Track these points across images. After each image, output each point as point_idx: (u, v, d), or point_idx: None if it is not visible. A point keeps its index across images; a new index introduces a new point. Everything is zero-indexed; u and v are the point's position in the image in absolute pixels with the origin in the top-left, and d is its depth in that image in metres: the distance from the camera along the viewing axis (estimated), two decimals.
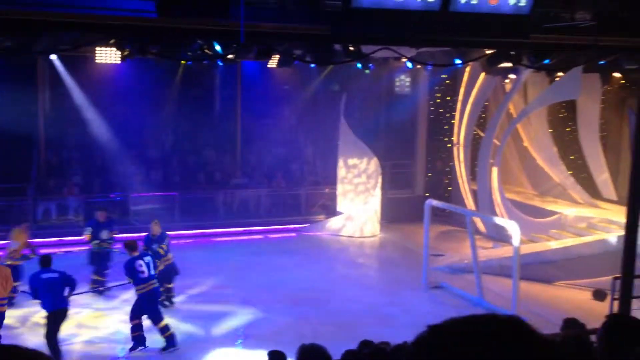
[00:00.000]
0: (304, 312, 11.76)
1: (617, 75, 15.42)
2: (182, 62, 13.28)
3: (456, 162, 18.12)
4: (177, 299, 11.83)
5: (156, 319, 9.72)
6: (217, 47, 9.71)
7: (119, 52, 10.10)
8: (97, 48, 9.97)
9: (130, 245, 9.90)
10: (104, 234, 12.11)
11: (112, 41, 9.90)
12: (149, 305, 9.68)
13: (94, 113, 16.77)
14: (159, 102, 17.88)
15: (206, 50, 10.03)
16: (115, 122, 16.97)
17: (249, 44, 9.48)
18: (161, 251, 11.25)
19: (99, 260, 12.10)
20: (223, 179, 18.40)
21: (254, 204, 18.20)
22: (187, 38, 9.32)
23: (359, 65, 13.34)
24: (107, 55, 10.17)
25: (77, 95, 16.51)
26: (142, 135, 18.00)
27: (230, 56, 10.12)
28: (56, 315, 8.96)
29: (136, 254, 9.82)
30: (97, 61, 10.27)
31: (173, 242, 14.56)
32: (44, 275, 8.97)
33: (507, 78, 16.39)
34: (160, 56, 10.49)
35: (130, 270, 9.67)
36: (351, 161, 17.57)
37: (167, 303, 11.34)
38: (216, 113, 19.15)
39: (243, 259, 14.97)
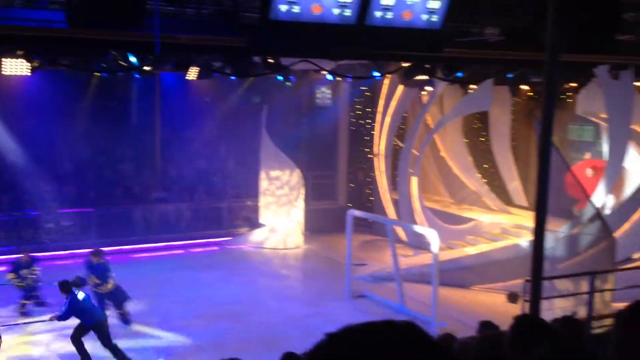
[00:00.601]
0: (227, 327, 11.59)
1: (525, 87, 16.24)
2: (96, 73, 12.87)
3: (377, 173, 18.45)
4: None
5: None
6: (132, 59, 9.48)
7: (27, 64, 9.66)
8: (4, 59, 9.50)
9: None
10: (24, 273, 11.94)
11: (20, 52, 9.47)
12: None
13: (2, 127, 15.93)
14: (73, 114, 17.20)
15: (121, 62, 9.78)
16: (26, 136, 16.17)
17: (165, 55, 9.32)
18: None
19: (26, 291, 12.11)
20: (142, 193, 17.92)
21: (175, 218, 17.82)
22: (100, 49, 9.05)
23: (280, 77, 13.39)
24: (15, 67, 9.71)
25: None
26: (55, 149, 17.28)
27: (146, 68, 9.90)
28: (102, 326, 9.78)
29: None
30: (3, 73, 9.78)
31: None
32: (80, 297, 9.74)
33: (424, 90, 16.90)
34: (72, 68, 10.11)
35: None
36: (273, 173, 17.55)
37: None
38: (134, 126, 18.63)
39: (164, 275, 14.62)
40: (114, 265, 11.51)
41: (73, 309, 9.66)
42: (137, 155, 18.51)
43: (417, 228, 14.41)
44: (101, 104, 17.62)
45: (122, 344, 10.53)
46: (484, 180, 18.07)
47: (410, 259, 15.44)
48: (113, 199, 17.44)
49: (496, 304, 12.96)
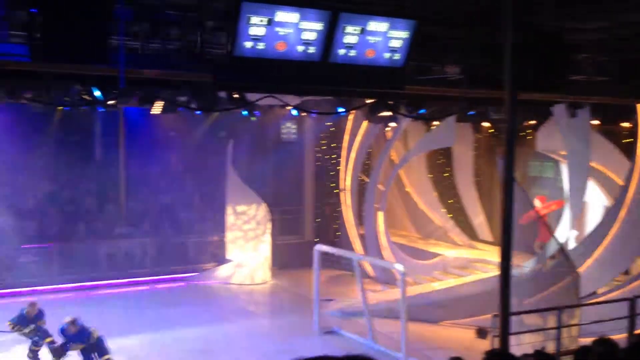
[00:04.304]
0: None
1: (486, 124, 16.61)
2: (59, 107, 12.77)
3: (343, 207, 18.51)
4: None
5: None
6: (97, 93, 9.44)
7: None
8: None
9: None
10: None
11: None
12: None
13: None
14: (35, 148, 16.95)
15: (85, 96, 9.73)
16: None
17: (130, 90, 9.30)
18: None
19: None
20: (106, 229, 17.62)
21: (140, 254, 17.53)
22: (63, 83, 9.00)
23: (245, 112, 13.45)
24: None
25: None
26: (15, 183, 16.94)
27: (111, 102, 9.88)
28: None
29: None
30: None
31: (51, 297, 13.66)
32: None
33: (388, 126, 17.13)
34: (35, 101, 10.02)
35: None
36: (240, 208, 17.47)
37: None
38: (97, 160, 18.41)
39: (128, 312, 14.34)
40: (75, 302, 11.30)
41: None
42: (100, 190, 18.25)
43: (385, 263, 14.43)
44: (64, 138, 17.42)
45: None
46: (449, 215, 18.26)
47: (378, 294, 15.41)
48: (76, 234, 17.12)
49: (465, 340, 12.96)
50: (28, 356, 11.29)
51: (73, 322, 10.58)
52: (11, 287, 14.89)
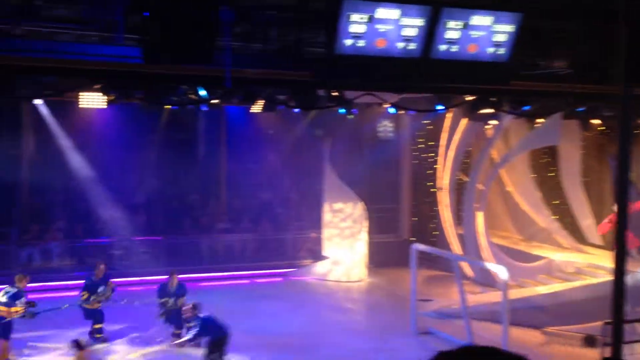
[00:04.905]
0: (291, 359, 11.55)
1: (595, 121, 15.68)
2: (167, 106, 13.42)
3: (441, 207, 18.15)
4: (163, 346, 11.90)
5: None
6: (202, 92, 9.82)
7: (104, 97, 10.18)
8: (81, 93, 10.05)
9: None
10: (101, 290, 11.96)
11: (97, 86, 9.99)
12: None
13: (79, 157, 16.74)
14: (144, 146, 17.89)
15: (191, 95, 10.16)
16: (100, 166, 16.94)
17: (233, 89, 9.62)
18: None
19: (95, 314, 12.07)
20: (208, 224, 18.32)
21: (240, 249, 18.09)
22: (172, 83, 9.44)
23: (342, 110, 13.50)
24: (92, 100, 10.24)
25: (62, 139, 16.50)
26: (127, 179, 17.97)
27: (214, 101, 10.23)
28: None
29: None
30: (81, 106, 10.34)
31: (156, 287, 14.35)
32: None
33: (489, 124, 16.60)
34: (146, 101, 10.58)
35: None
36: (337, 205, 17.58)
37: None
38: (201, 157, 19.18)
39: (229, 304, 14.77)
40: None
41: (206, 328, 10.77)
42: (204, 186, 18.99)
43: (486, 264, 14.05)
44: (170, 136, 18.25)
45: None
46: (554, 216, 17.45)
47: (478, 296, 15.02)
48: (181, 228, 17.91)
49: (571, 347, 12.39)
50: (93, 335, 11.84)
51: (173, 273, 11.25)
52: (122, 275, 15.78)
